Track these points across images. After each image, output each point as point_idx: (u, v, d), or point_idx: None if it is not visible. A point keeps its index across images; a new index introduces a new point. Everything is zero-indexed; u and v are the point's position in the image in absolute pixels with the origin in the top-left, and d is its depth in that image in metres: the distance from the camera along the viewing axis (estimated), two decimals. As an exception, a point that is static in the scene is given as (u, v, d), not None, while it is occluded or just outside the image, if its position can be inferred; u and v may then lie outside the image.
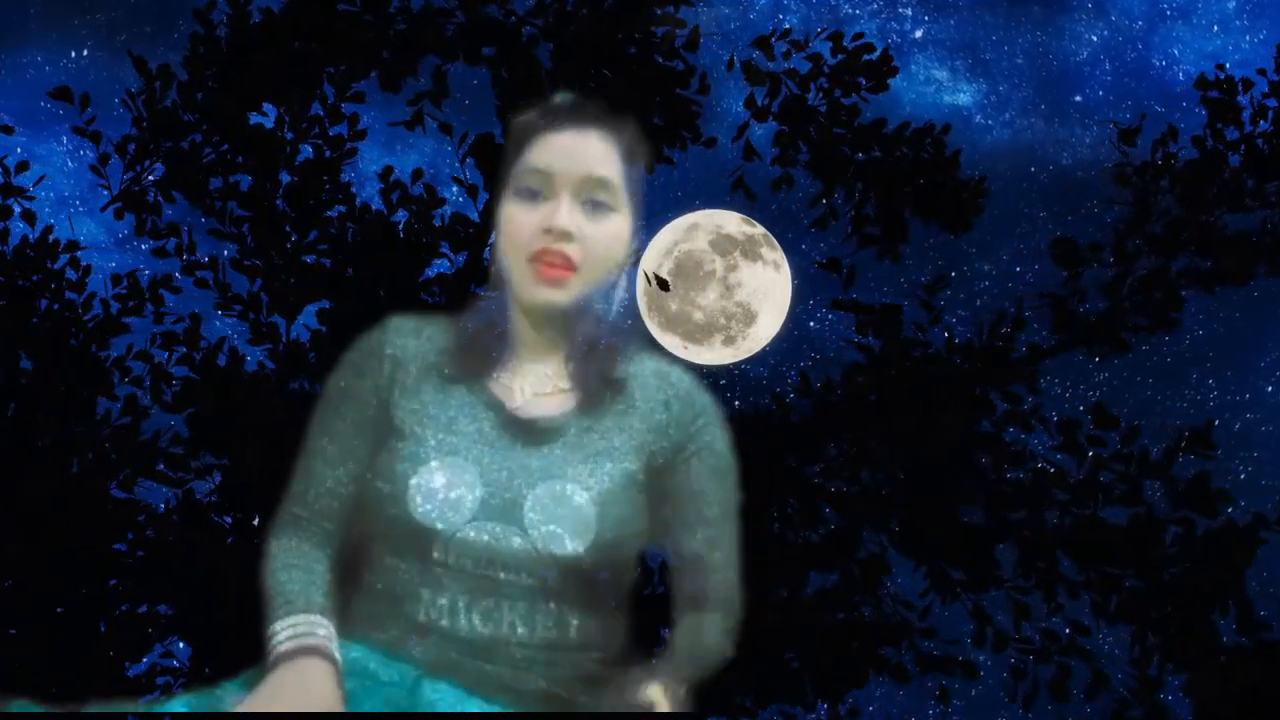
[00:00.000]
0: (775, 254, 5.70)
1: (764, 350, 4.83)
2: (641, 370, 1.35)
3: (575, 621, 1.24)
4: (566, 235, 1.26)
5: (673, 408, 1.32)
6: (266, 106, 5.73)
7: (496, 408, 1.30)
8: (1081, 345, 4.62)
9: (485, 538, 1.21)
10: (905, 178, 5.82)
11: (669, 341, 5.72)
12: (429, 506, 1.22)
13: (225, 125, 5.66)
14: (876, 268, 6.15)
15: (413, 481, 1.23)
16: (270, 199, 5.58)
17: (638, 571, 1.31)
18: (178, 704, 1.11)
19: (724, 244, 5.88)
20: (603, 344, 1.32)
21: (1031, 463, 4.92)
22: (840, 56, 5.86)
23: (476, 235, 5.93)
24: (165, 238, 5.65)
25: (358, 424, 1.31)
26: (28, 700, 1.05)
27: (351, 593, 1.29)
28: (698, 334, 5.30)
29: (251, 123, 5.71)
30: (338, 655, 1.16)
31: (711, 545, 1.31)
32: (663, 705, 1.11)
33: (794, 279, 5.42)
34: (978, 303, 5.31)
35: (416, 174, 6.10)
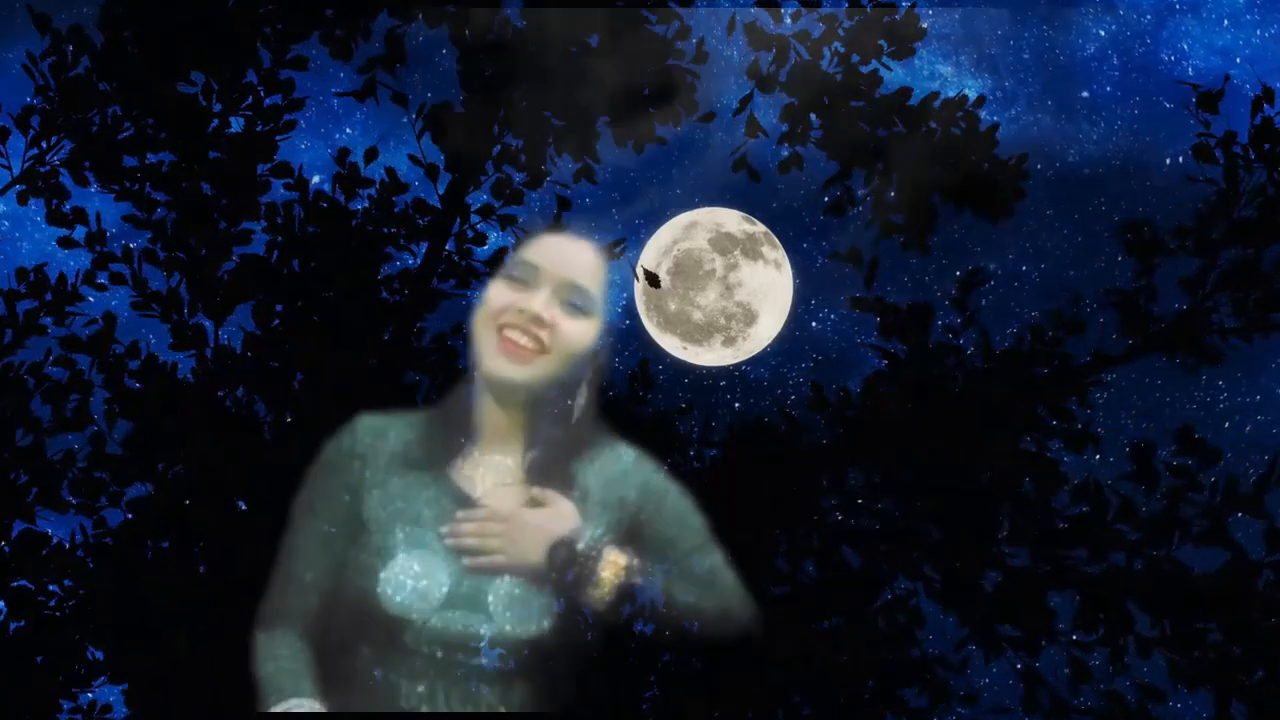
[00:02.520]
0: (776, 253, 5.60)
1: (765, 351, 4.72)
2: (594, 460, 1.43)
3: (548, 691, 1.33)
4: (538, 320, 1.35)
5: (625, 481, 1.43)
6: (195, 76, 4.93)
7: (460, 499, 1.39)
8: (1159, 351, 3.80)
9: (454, 626, 1.30)
10: (934, 157, 5.03)
11: (668, 342, 5.55)
12: (399, 597, 1.31)
13: (147, 95, 4.86)
14: (890, 262, 5.36)
15: (382, 575, 1.32)
16: (195, 180, 4.78)
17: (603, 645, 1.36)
18: None
19: (724, 242, 5.78)
20: (562, 441, 1.40)
21: (1077, 490, 4.10)
22: (858, 17, 5.06)
23: (437, 223, 5.14)
24: (72, 225, 4.85)
25: (332, 522, 1.40)
26: None
27: (334, 682, 1.34)
28: (697, 334, 5.25)
29: (178, 92, 4.90)
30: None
31: (698, 555, 1.44)
32: (617, 560, 1.28)
33: (795, 278, 5.37)
34: (983, 302, 4.56)
35: (370, 154, 5.30)
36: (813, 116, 5.14)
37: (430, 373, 5.53)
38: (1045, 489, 4.13)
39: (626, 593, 1.29)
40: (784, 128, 5.21)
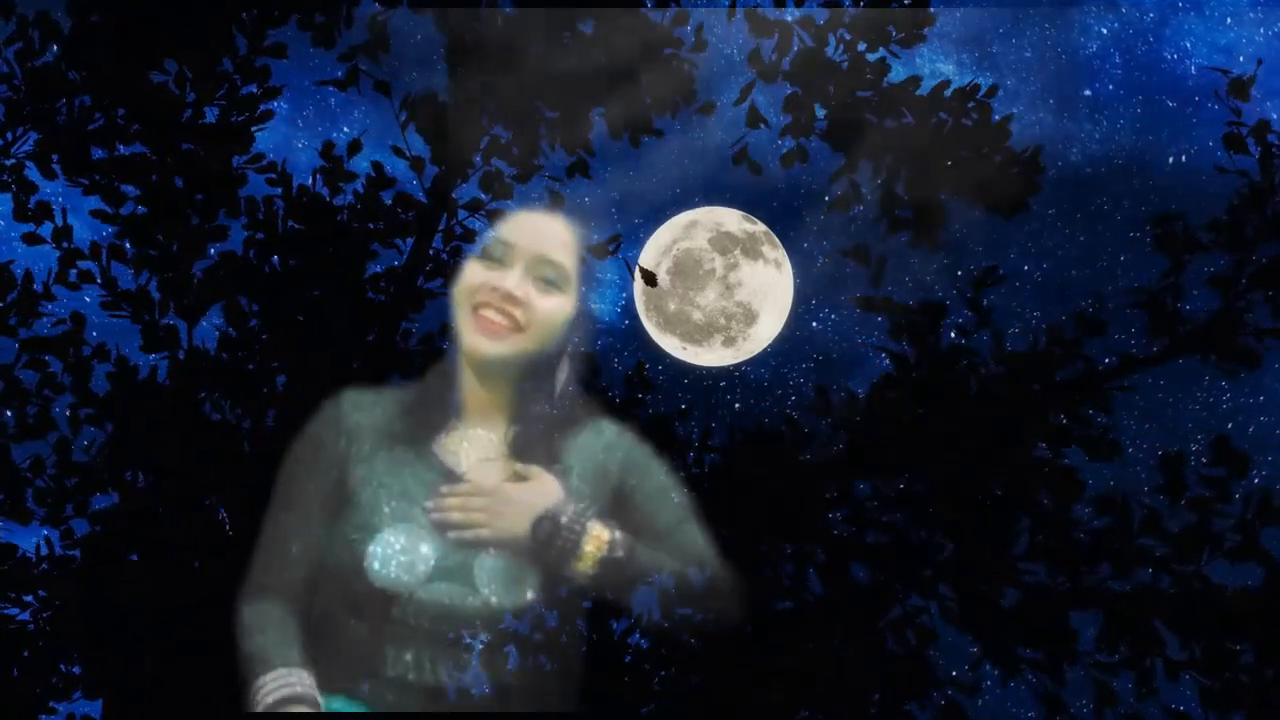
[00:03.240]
0: (777, 252, 5.54)
1: (765, 351, 4.69)
2: (576, 435, 1.47)
3: (532, 663, 1.36)
4: (511, 299, 1.40)
5: (608, 456, 1.47)
6: (168, 64, 4.69)
7: (445, 474, 1.42)
8: (1191, 353, 3.55)
9: (441, 597, 1.34)
10: (945, 149, 4.78)
11: (668, 343, 5.47)
12: (386, 570, 1.34)
13: (118, 84, 4.62)
14: (889, 261, 5.12)
15: (370, 549, 1.35)
16: (167, 173, 4.54)
17: (585, 612, 1.42)
18: None
19: (724, 242, 5.72)
20: (544, 417, 1.43)
21: (1101, 501, 3.85)
22: (864, 2, 4.82)
23: (423, 218, 4.89)
24: (40, 220, 4.60)
25: (316, 496, 1.43)
26: None
27: (321, 652, 1.37)
28: (697, 334, 5.19)
29: (150, 81, 4.66)
30: (320, 699, 1.27)
31: (679, 530, 1.45)
32: (600, 534, 1.31)
33: (796, 278, 5.32)
34: (985, 301, 4.37)
35: (354, 146, 5.06)
36: (817, 107, 4.90)
37: (418, 376, 5.28)
38: (1064, 500, 3.88)
39: (609, 566, 1.30)
40: (787, 119, 4.97)
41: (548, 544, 1.31)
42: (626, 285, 5.58)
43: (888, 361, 4.62)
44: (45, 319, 4.61)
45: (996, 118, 4.79)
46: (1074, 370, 3.81)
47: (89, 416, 4.30)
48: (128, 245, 4.38)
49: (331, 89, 4.62)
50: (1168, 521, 3.73)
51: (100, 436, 4.54)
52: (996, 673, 3.88)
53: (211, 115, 4.62)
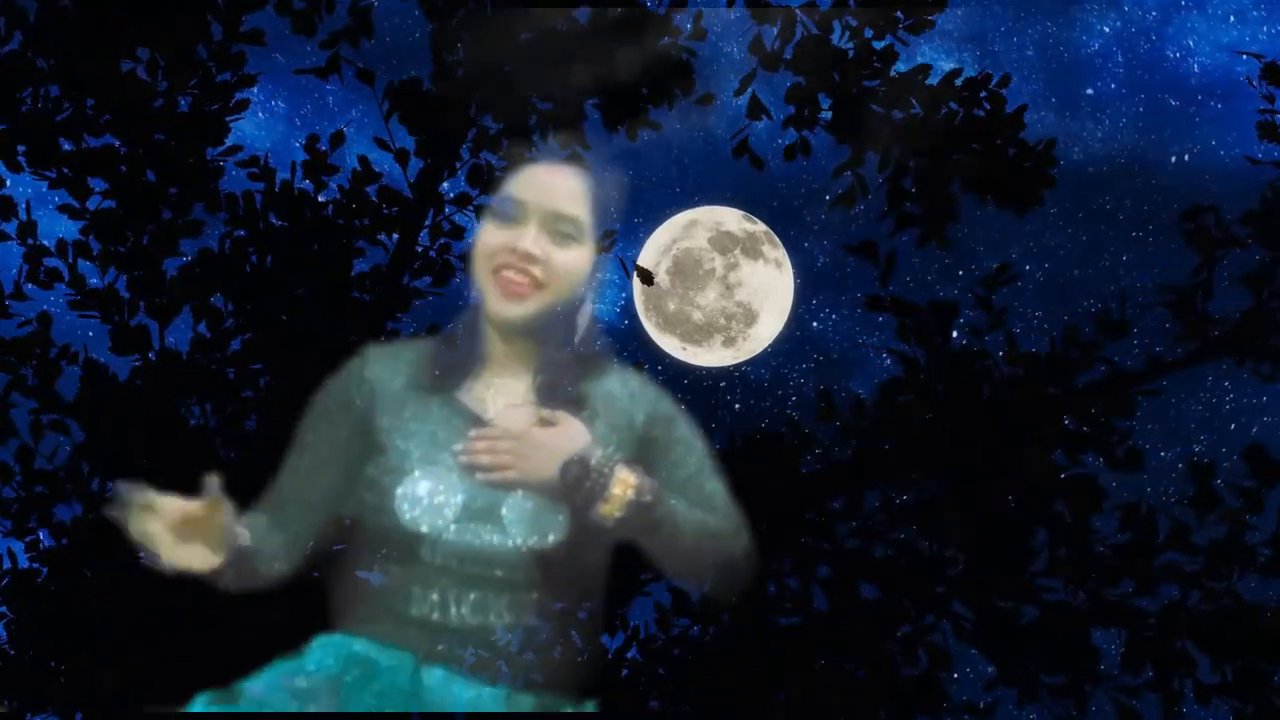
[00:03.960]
0: (777, 252, 5.50)
1: (765, 351, 4.67)
2: (601, 383, 1.45)
3: (557, 608, 1.33)
4: (530, 257, 1.36)
5: (633, 404, 1.44)
6: (141, 51, 4.46)
7: (472, 419, 1.38)
8: (1223, 356, 3.32)
9: (469, 538, 1.31)
10: (955, 141, 4.56)
11: (667, 343, 5.41)
12: (415, 513, 1.32)
13: (87, 73, 4.39)
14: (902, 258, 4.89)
15: (398, 491, 1.33)
16: (138, 166, 4.31)
17: (610, 557, 1.38)
18: (196, 703, 1.15)
19: (724, 241, 5.65)
20: (569, 364, 1.42)
21: (1126, 513, 3.62)
22: (871, -13, 4.59)
23: (408, 213, 4.66)
24: (8, 216, 4.38)
25: (331, 442, 1.41)
26: None
27: (351, 595, 1.36)
28: (697, 334, 5.20)
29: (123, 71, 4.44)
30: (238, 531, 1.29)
31: (701, 481, 1.43)
32: (627, 478, 1.29)
33: (796, 277, 5.26)
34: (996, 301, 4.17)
35: (336, 139, 4.83)
36: (821, 97, 4.67)
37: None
38: (1083, 511, 3.65)
39: (635, 510, 1.28)
40: (790, 109, 4.75)
41: (575, 487, 1.29)
42: (626, 285, 5.42)
43: (889, 361, 4.40)
44: (12, 319, 4.37)
45: (1008, 109, 4.57)
46: (1095, 374, 3.57)
47: (53, 423, 4.06)
48: (93, 241, 4.14)
49: (333, 89, 4.38)
50: (1196, 534, 3.50)
51: (65, 443, 4.31)
52: (1013, 695, 3.66)
53: (189, 106, 4.39)
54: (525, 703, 1.28)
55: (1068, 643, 3.44)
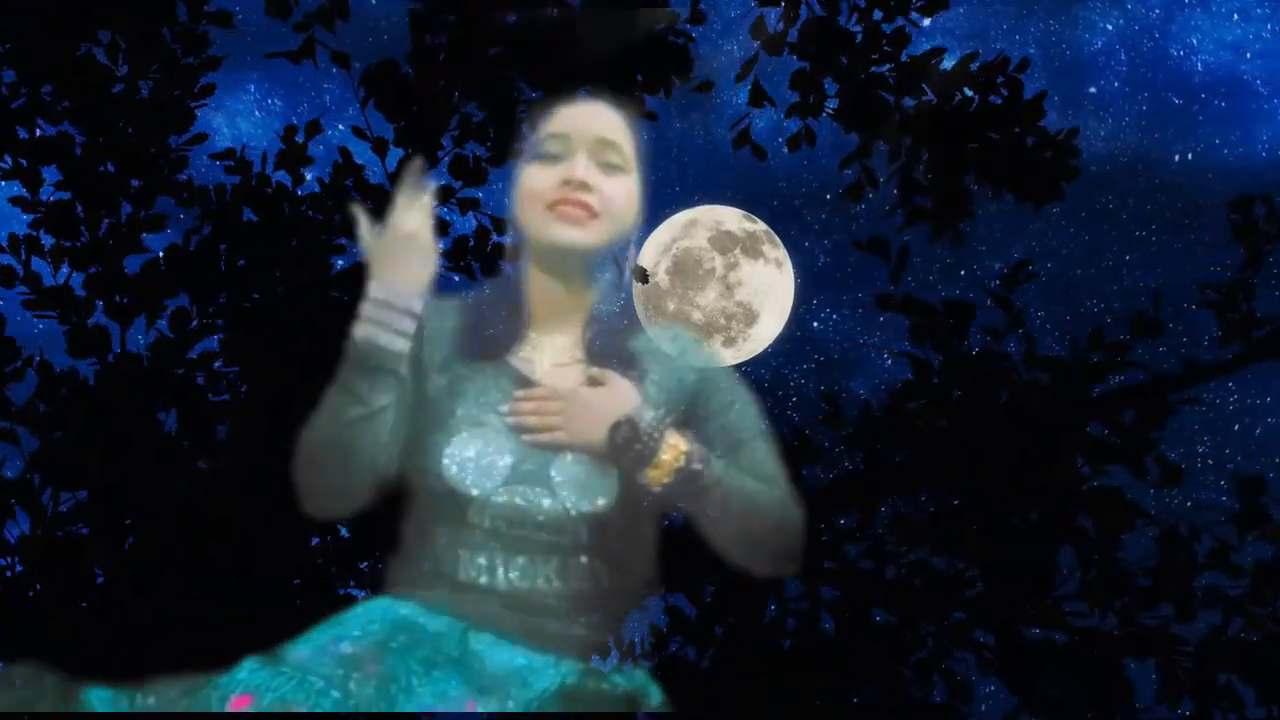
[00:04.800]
0: (777, 251, 5.38)
1: (765, 352, 4.44)
2: (651, 339, 1.41)
3: (607, 572, 1.29)
4: (585, 186, 1.33)
5: (685, 363, 1.40)
6: (103, 34, 4.18)
7: (520, 380, 1.36)
8: (1270, 358, 3.02)
9: (517, 500, 1.28)
10: (969, 130, 4.27)
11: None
12: (463, 474, 1.28)
13: (46, 57, 4.11)
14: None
15: (447, 451, 1.29)
16: (98, 155, 4.02)
17: (663, 521, 1.34)
18: (244, 667, 1.09)
19: (724, 241, 5.44)
20: (617, 318, 1.40)
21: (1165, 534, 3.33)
22: (881, -34, 4.30)
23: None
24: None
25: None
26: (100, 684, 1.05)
27: (399, 558, 1.34)
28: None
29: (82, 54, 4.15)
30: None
31: (752, 446, 1.35)
32: (677, 443, 1.24)
33: (797, 277, 5.01)
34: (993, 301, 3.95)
35: (312, 128, 4.54)
36: (828, 83, 4.38)
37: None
38: (1112, 527, 3.35)
39: (684, 477, 1.23)
40: (794, 97, 4.46)
41: (624, 449, 1.25)
42: (625, 285, 5.21)
43: (890, 361, 4.12)
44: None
45: (1028, 95, 4.28)
46: (1125, 379, 3.28)
47: (2, 431, 3.78)
48: (44, 235, 3.85)
49: (331, 86, 4.09)
50: (1239, 554, 3.20)
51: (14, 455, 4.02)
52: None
53: (150, 91, 4.10)
54: (574, 669, 1.21)
55: (1098, 673, 3.14)
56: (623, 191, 1.37)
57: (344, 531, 4.33)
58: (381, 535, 4.77)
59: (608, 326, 1.40)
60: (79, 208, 3.96)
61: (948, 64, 4.31)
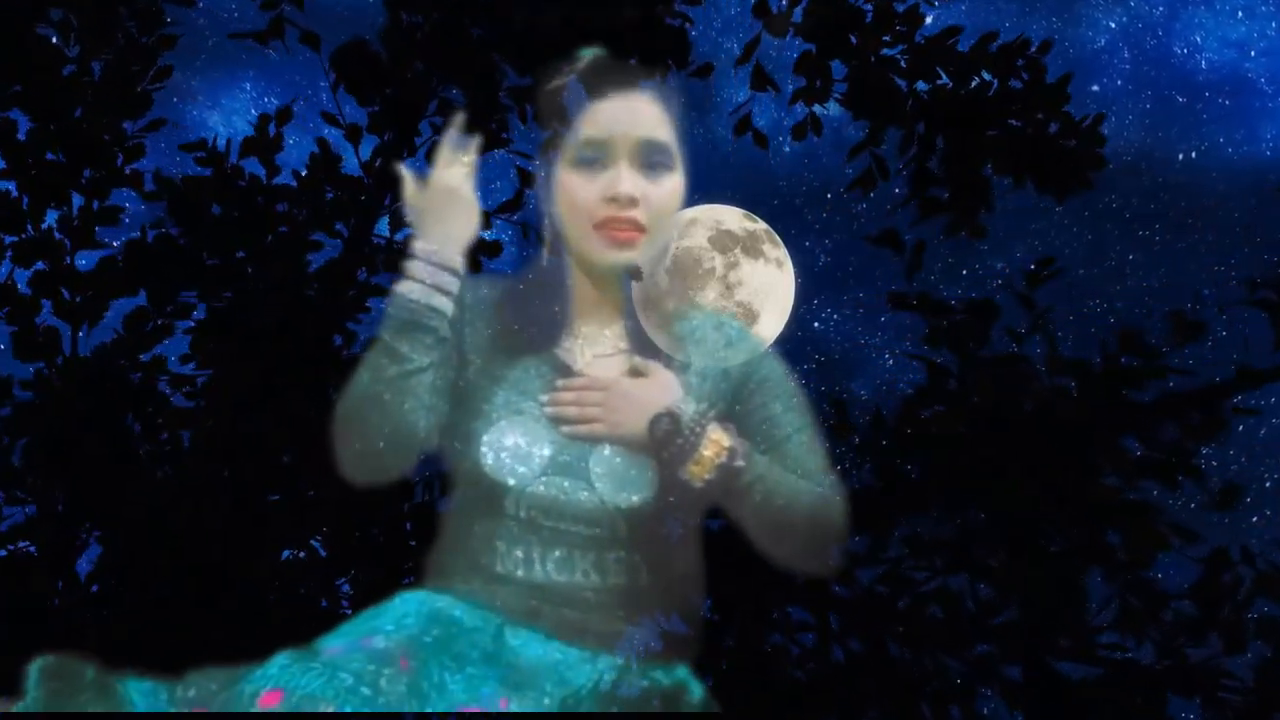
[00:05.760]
0: (778, 251, 5.06)
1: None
2: (695, 324, 1.38)
3: (645, 566, 1.26)
4: (632, 201, 1.29)
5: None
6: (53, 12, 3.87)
7: (561, 369, 1.33)
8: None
9: (555, 492, 1.26)
10: (989, 116, 3.96)
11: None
12: (500, 463, 1.26)
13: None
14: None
15: (485, 439, 1.27)
16: (46, 143, 3.71)
17: (704, 515, 1.30)
18: (276, 662, 1.05)
19: (724, 240, 5.17)
20: (658, 305, 1.35)
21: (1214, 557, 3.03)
22: (892, -60, 3.99)
23: (359, 199, 4.06)
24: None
25: (441, 368, 1.29)
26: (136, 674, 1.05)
27: (434, 550, 1.31)
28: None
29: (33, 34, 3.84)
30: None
31: (797, 439, 1.31)
32: (720, 439, 1.20)
33: (798, 277, 4.82)
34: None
35: (283, 115, 4.24)
36: (836, 66, 4.07)
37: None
38: (1144, 549, 3.04)
39: (725, 473, 1.19)
40: (800, 81, 4.15)
41: (665, 443, 1.20)
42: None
43: (891, 362, 3.79)
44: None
45: (1052, 78, 3.98)
46: (1197, 388, 2.97)
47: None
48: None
49: (329, 84, 3.76)
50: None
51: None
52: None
53: (104, 74, 3.79)
54: (612, 665, 1.19)
55: (1137, 712, 2.83)
56: (668, 195, 1.32)
57: (319, 547, 4.03)
58: (359, 551, 4.44)
59: (651, 316, 1.37)
60: (25, 200, 3.66)
61: (964, 46, 4.01)
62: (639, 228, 1.30)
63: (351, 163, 4.22)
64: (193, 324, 4.13)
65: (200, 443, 4.25)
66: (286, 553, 4.32)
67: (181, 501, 3.94)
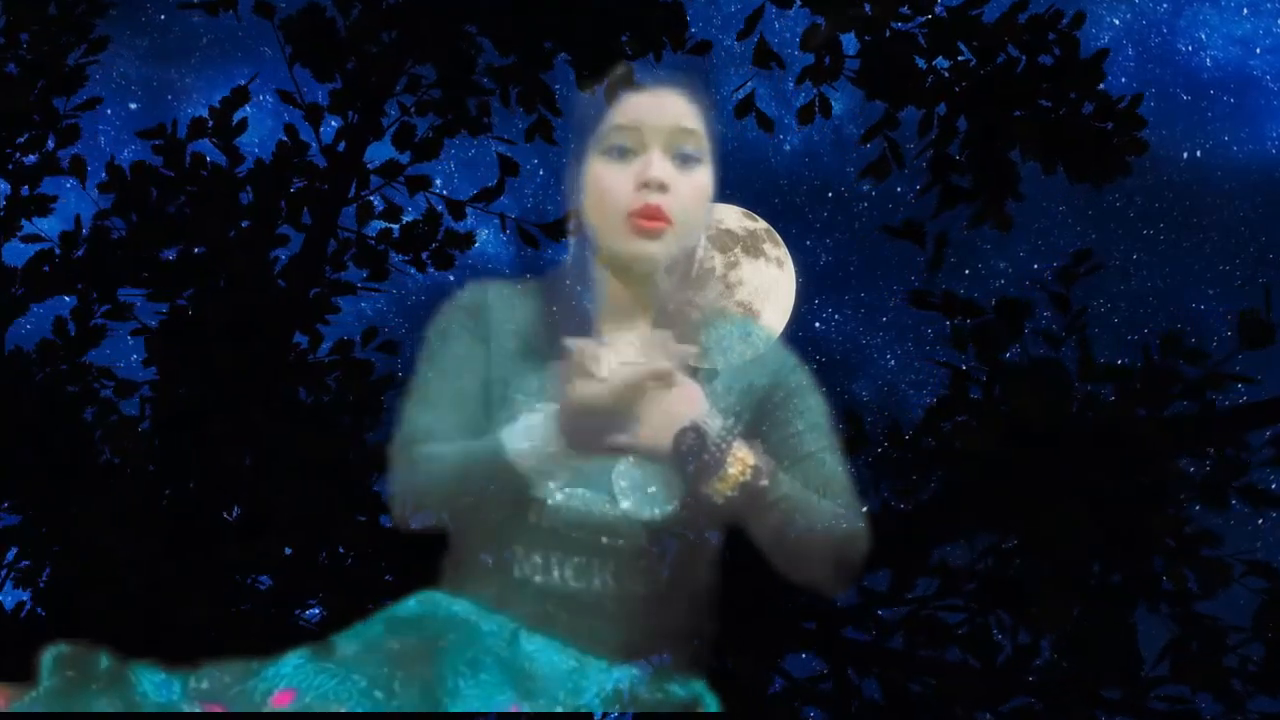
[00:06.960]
0: (778, 250, 4.80)
1: None
2: (723, 333, 1.36)
3: (666, 578, 1.26)
4: (662, 186, 1.27)
5: (757, 364, 1.35)
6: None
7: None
8: None
9: (577, 503, 1.25)
10: (1016, 96, 3.58)
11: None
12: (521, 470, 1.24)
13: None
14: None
15: (507, 447, 1.24)
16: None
17: (723, 529, 1.29)
18: (290, 661, 1.08)
19: (724, 239, 4.90)
20: (686, 317, 1.33)
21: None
22: (909, -98, 3.60)
23: (320, 187, 3.67)
24: None
25: (467, 360, 1.32)
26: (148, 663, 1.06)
27: (450, 552, 1.31)
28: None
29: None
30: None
31: (820, 459, 1.28)
32: (745, 457, 1.16)
33: (798, 276, 4.63)
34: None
35: (239, 96, 3.86)
36: (848, 40, 3.69)
37: (328, 393, 4.09)
38: (1209, 585, 2.66)
39: (749, 492, 1.15)
40: (808, 58, 3.77)
41: (689, 457, 1.15)
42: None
43: (892, 362, 3.41)
44: None
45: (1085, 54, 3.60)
46: (1234, 397, 2.59)
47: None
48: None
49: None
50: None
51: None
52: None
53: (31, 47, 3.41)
54: (628, 674, 1.15)
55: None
56: (697, 189, 1.29)
57: (265, 579, 3.65)
58: (323, 577, 4.04)
59: (675, 323, 1.30)
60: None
61: (989, 17, 3.63)
62: (664, 217, 1.26)
63: (315, 147, 3.84)
64: (137, 325, 3.78)
65: (152, 450, 3.90)
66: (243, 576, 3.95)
67: (120, 529, 3.56)
